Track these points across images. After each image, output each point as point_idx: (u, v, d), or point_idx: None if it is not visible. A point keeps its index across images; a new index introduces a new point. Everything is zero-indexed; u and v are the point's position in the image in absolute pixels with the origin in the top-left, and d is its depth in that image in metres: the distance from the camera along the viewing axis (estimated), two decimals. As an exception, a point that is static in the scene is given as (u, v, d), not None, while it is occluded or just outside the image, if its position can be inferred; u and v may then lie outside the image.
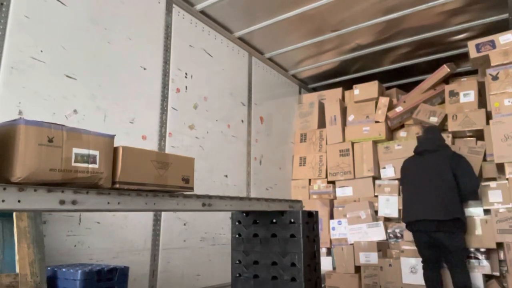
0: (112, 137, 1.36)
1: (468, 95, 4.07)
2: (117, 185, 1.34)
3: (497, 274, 3.39)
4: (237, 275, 2.41)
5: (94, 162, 1.27)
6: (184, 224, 3.15)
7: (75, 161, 1.22)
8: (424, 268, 3.45)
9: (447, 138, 4.08)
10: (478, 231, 3.43)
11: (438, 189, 3.29)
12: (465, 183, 3.27)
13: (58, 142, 1.19)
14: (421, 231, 3.33)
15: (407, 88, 4.98)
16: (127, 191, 1.38)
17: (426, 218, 3.25)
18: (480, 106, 3.96)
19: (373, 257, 3.93)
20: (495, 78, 3.42)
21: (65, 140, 1.21)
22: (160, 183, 1.50)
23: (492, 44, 3.56)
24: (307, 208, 2.46)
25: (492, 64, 3.48)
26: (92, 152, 1.27)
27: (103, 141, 1.32)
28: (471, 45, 3.69)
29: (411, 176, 3.58)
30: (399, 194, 4.26)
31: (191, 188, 1.65)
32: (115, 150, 1.37)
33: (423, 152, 3.52)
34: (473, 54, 3.68)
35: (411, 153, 4.16)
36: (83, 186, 1.25)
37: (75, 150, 1.23)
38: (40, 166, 1.13)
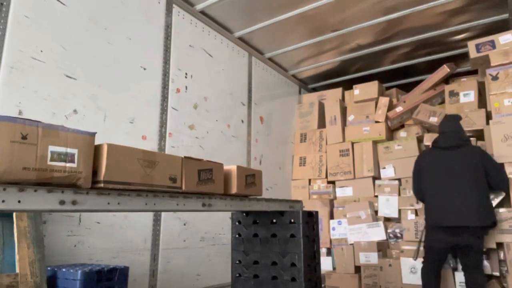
0: (92, 134, 1.29)
1: (468, 95, 4.07)
2: (102, 184, 1.29)
3: (497, 274, 3.38)
4: (237, 275, 2.41)
5: (72, 161, 1.20)
6: (184, 224, 3.15)
7: (51, 160, 1.15)
8: (426, 269, 3.25)
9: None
10: (478, 231, 3.43)
11: (473, 190, 3.04)
12: (496, 180, 3.11)
13: (32, 139, 1.12)
14: (446, 237, 3.08)
15: (407, 88, 4.98)
16: (127, 191, 1.37)
17: (460, 225, 3.00)
18: (480, 106, 3.96)
19: (373, 257, 3.93)
20: (495, 78, 3.42)
21: (41, 137, 1.14)
22: (146, 182, 1.44)
23: (492, 44, 3.56)
24: (307, 208, 2.46)
25: (492, 64, 3.48)
26: (70, 150, 1.20)
27: (82, 138, 1.25)
28: (471, 45, 3.69)
29: (436, 174, 3.23)
30: (399, 194, 4.25)
31: (179, 188, 1.60)
32: (100, 148, 1.31)
33: (450, 148, 3.20)
34: (473, 54, 3.68)
35: (411, 153, 4.16)
36: (60, 186, 1.19)
37: (51, 148, 1.16)
38: (12, 164, 1.07)
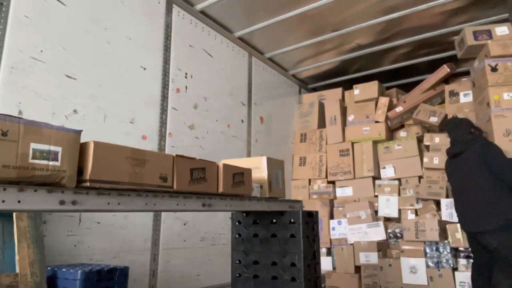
0: (78, 132, 1.24)
1: (468, 95, 4.06)
2: (88, 184, 1.24)
3: (497, 274, 3.38)
4: (237, 275, 2.41)
5: (56, 159, 1.16)
6: (184, 224, 3.15)
7: (33, 158, 1.11)
8: (474, 268, 3.10)
9: (447, 138, 4.08)
10: (478, 231, 3.42)
11: (480, 193, 2.93)
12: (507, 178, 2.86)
13: (13, 136, 1.07)
14: (472, 240, 3.06)
15: (407, 88, 4.98)
16: (127, 191, 1.37)
17: (474, 231, 2.94)
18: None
19: (373, 257, 3.93)
20: (494, 69, 3.38)
21: (22, 134, 1.09)
22: (135, 181, 1.38)
23: (489, 34, 3.52)
24: (307, 208, 2.46)
25: (492, 55, 3.41)
26: (53, 148, 1.15)
27: (67, 136, 1.20)
28: (468, 31, 3.57)
29: (453, 181, 3.24)
30: (399, 194, 4.26)
31: (170, 187, 1.55)
32: (86, 145, 1.27)
33: (456, 155, 3.16)
34: (470, 41, 3.55)
35: (411, 153, 4.15)
36: (43, 185, 1.16)
37: (33, 146, 1.11)
38: None
